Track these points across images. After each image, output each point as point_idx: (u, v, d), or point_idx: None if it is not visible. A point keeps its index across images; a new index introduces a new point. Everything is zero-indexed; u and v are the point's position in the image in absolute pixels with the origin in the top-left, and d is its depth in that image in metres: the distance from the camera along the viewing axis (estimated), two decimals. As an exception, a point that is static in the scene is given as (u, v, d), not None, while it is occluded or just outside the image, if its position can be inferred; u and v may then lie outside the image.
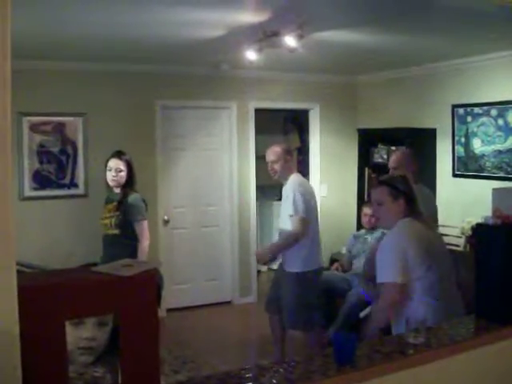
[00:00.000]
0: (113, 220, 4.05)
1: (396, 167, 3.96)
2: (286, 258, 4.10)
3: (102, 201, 4.21)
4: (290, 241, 3.97)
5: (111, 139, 5.08)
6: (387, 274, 2.56)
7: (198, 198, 5.91)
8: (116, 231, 4.05)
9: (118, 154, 4.11)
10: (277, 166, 4.06)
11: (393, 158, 4.14)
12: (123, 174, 4.08)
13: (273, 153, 4.08)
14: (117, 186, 4.10)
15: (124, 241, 4.07)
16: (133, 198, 4.07)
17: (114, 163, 4.08)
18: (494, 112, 4.75)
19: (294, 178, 4.10)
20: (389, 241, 2.67)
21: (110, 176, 4.08)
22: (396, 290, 2.52)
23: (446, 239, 3.63)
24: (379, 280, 2.59)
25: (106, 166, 4.12)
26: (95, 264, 3.91)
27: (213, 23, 3.61)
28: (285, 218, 4.05)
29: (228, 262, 6.05)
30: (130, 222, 4.07)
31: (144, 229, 4.07)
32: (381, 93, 6.17)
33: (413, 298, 2.56)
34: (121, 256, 3.88)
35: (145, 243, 4.05)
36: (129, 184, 4.12)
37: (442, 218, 4.15)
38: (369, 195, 5.96)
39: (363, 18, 3.51)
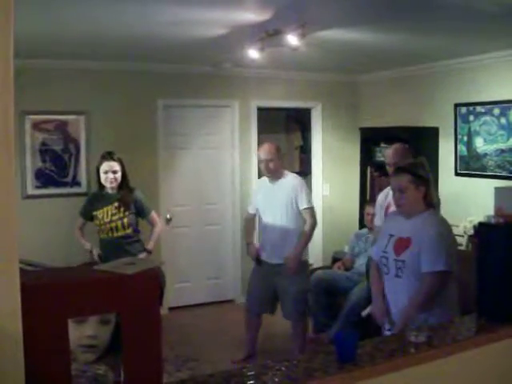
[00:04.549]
0: (125, 220, 4.08)
1: (397, 162, 3.64)
2: (288, 250, 4.16)
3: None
4: (312, 233, 4.26)
5: (113, 138, 5.10)
6: (447, 262, 2.59)
7: (201, 197, 5.92)
8: (128, 231, 4.11)
9: (110, 155, 4.12)
10: (272, 164, 4.21)
11: (390, 152, 3.86)
12: (119, 174, 4.12)
13: (268, 151, 4.24)
14: (115, 187, 4.12)
15: (137, 237, 4.24)
16: (138, 194, 4.20)
17: (109, 165, 4.09)
18: (496, 111, 4.75)
19: (291, 174, 4.39)
20: (444, 230, 2.70)
21: (107, 178, 4.08)
22: (444, 279, 2.61)
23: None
24: (435, 268, 2.59)
25: (98, 169, 4.13)
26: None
27: (215, 22, 3.61)
28: (279, 211, 4.21)
29: (230, 261, 6.06)
30: (140, 217, 4.25)
31: (156, 217, 4.38)
32: (383, 92, 6.17)
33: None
34: (137, 254, 3.99)
35: (160, 227, 4.39)
36: (125, 182, 4.16)
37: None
38: (372, 194, 5.96)
39: (365, 17, 3.51)
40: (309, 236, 4.24)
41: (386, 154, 4.00)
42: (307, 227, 4.20)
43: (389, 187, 3.95)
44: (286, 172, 4.36)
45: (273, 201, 4.25)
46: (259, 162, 4.31)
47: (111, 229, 4.08)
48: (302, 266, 4.27)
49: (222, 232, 6.05)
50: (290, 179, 4.28)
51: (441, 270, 2.58)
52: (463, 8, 3.14)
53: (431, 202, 2.75)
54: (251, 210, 4.52)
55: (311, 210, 4.23)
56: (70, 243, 4.52)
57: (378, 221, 3.99)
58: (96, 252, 4.06)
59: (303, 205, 4.17)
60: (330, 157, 6.46)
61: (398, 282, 2.66)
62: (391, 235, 2.77)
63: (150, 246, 4.21)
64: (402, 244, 2.67)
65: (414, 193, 2.68)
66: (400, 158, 3.72)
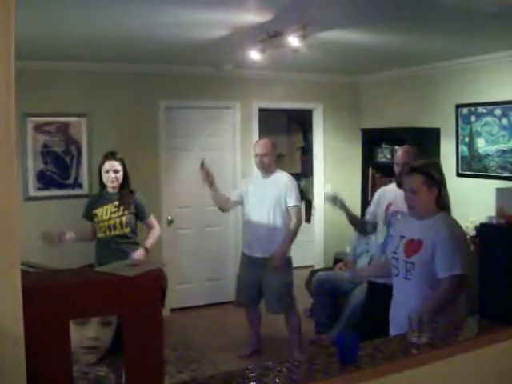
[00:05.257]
0: (123, 219, 4.09)
1: (406, 162, 3.60)
2: (273, 244, 4.24)
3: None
4: (297, 231, 4.33)
5: (115, 139, 5.10)
6: (463, 265, 2.51)
7: (202, 198, 5.88)
8: (126, 230, 4.11)
9: (113, 155, 4.14)
10: (266, 159, 4.31)
11: (400, 153, 3.91)
12: (120, 173, 4.13)
13: (264, 146, 4.34)
14: (116, 187, 4.13)
15: (134, 238, 4.21)
16: (138, 195, 4.21)
17: (110, 165, 4.11)
18: (497, 111, 4.74)
19: (283, 172, 4.47)
20: (457, 232, 2.64)
21: (108, 178, 4.10)
22: (461, 284, 2.54)
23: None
24: (452, 272, 2.51)
25: (100, 168, 4.15)
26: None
27: (216, 23, 3.61)
28: (267, 206, 4.28)
29: (232, 262, 6.04)
30: (139, 219, 4.23)
31: (155, 221, 4.37)
32: (384, 92, 6.17)
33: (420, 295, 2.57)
34: (131, 255, 3.97)
35: (158, 231, 4.35)
36: (126, 182, 4.17)
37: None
38: (374, 195, 5.95)
39: (366, 18, 3.51)
40: (294, 234, 4.32)
41: (396, 154, 4.03)
42: (293, 225, 4.28)
43: (389, 185, 3.98)
44: (279, 170, 4.46)
45: (263, 196, 4.33)
46: (254, 156, 4.39)
47: (109, 226, 4.09)
48: (286, 262, 4.36)
49: (223, 233, 6.04)
50: (282, 176, 4.38)
51: (457, 274, 2.51)
52: (464, 9, 3.14)
53: (444, 203, 2.69)
54: (234, 198, 4.60)
55: (298, 208, 4.33)
56: (72, 245, 4.52)
57: (367, 215, 4.08)
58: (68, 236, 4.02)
59: (291, 202, 4.26)
60: (332, 158, 6.45)
61: (407, 284, 2.63)
62: (402, 236, 2.73)
63: (147, 244, 4.19)
64: (413, 246, 2.63)
65: (427, 194, 2.63)
66: (410, 159, 3.74)
